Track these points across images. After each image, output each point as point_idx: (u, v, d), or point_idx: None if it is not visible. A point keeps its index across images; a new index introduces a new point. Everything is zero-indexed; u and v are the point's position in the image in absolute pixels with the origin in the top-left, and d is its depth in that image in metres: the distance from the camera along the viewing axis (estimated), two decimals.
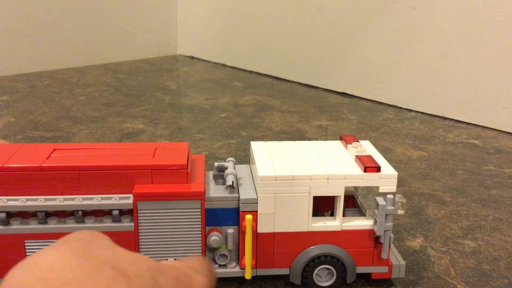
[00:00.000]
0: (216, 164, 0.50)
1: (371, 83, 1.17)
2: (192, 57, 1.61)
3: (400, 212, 0.47)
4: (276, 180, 0.46)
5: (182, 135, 0.93)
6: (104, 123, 0.98)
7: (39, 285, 0.25)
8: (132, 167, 0.45)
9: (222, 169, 0.50)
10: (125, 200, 0.45)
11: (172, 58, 1.61)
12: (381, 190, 0.47)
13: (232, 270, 0.48)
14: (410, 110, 1.10)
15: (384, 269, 0.49)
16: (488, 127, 1.00)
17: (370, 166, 0.46)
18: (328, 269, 0.48)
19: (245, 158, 0.81)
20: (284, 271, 0.49)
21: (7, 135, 0.90)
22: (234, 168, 0.50)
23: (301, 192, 0.46)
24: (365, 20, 1.15)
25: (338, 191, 0.47)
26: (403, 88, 1.12)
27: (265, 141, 0.54)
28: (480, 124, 1.02)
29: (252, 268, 0.48)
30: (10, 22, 1.31)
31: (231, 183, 0.47)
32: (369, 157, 0.48)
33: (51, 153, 0.47)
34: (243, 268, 0.48)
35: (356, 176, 0.46)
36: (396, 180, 0.47)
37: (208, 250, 0.48)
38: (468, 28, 1.00)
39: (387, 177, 0.47)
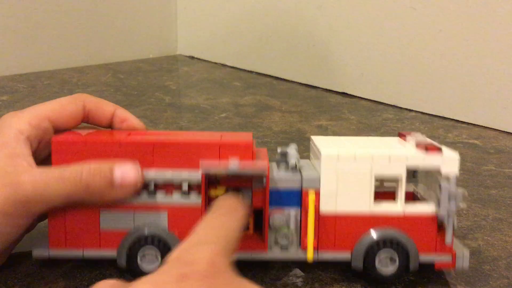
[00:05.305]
0: (279, 149, 0.51)
1: (371, 83, 1.17)
2: (192, 57, 1.61)
3: (463, 205, 0.47)
4: (338, 158, 0.47)
5: None
6: None
7: None
8: (201, 142, 0.48)
9: (285, 154, 0.51)
10: (195, 174, 0.47)
11: (172, 58, 1.61)
12: (443, 170, 0.47)
13: (294, 251, 0.49)
14: (410, 110, 1.10)
15: (448, 258, 0.49)
16: (488, 127, 1.00)
17: (431, 147, 0.48)
18: (390, 257, 0.49)
19: None
20: (346, 254, 0.49)
21: None
22: (297, 152, 0.51)
23: (363, 170, 0.47)
24: (365, 20, 1.15)
25: (400, 171, 0.48)
26: (403, 88, 1.12)
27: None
28: (480, 124, 1.02)
29: (314, 250, 0.48)
30: (10, 22, 1.31)
31: (294, 164, 0.49)
32: (430, 142, 0.50)
33: (129, 134, 0.51)
34: (304, 248, 0.48)
35: (417, 156, 0.48)
36: (458, 162, 0.47)
37: (271, 230, 0.49)
38: (468, 28, 1.00)
39: (449, 159, 0.47)
